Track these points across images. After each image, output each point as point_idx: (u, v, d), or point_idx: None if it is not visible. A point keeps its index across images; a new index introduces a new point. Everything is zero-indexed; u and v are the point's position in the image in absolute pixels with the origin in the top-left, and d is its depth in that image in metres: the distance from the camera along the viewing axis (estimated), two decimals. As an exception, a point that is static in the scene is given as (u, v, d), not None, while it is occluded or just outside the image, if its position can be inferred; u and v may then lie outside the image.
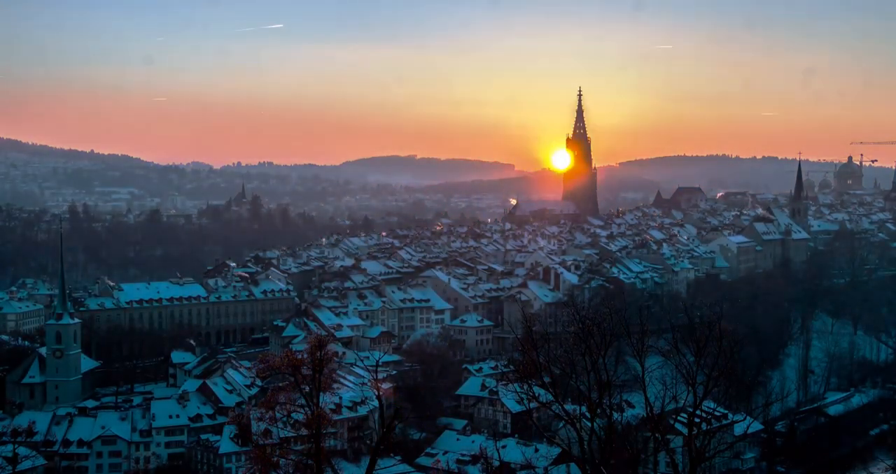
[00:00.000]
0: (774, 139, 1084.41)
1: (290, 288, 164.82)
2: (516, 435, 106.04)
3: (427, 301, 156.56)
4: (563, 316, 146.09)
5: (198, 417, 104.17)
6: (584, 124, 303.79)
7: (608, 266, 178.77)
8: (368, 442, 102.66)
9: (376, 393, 48.78)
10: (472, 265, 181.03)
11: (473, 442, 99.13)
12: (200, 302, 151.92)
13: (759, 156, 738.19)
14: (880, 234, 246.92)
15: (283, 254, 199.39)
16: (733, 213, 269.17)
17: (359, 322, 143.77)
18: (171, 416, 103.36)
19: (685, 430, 40.65)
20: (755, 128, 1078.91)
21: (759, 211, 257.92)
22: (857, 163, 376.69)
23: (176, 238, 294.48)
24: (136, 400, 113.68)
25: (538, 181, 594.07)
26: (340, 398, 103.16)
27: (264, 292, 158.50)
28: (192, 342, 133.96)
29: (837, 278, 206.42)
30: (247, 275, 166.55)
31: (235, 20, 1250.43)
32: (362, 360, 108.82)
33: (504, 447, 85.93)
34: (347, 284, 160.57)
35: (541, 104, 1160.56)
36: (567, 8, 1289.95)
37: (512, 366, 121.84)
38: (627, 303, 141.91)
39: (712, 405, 72.69)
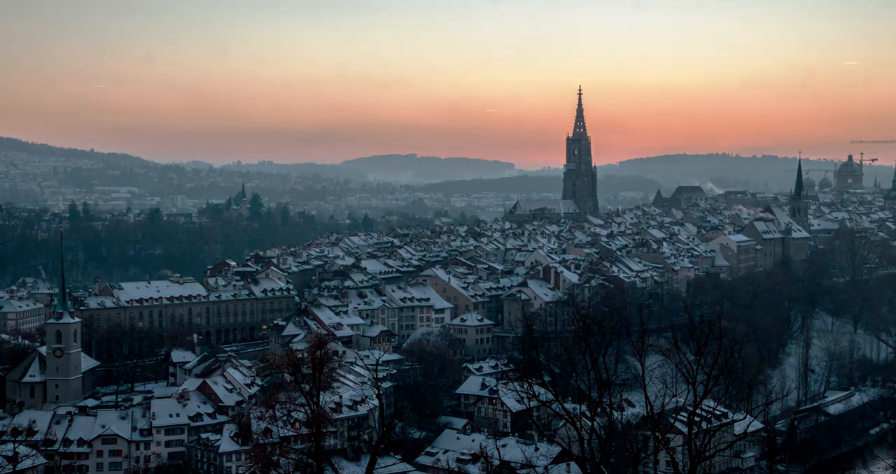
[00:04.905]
0: (775, 138, 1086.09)
1: (290, 287, 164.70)
2: (516, 434, 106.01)
3: (427, 300, 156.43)
4: (563, 315, 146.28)
5: (198, 416, 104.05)
6: (584, 123, 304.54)
7: (608, 265, 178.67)
8: (368, 440, 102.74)
9: (376, 391, 48.77)
10: (472, 264, 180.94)
11: (473, 441, 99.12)
12: (200, 301, 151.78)
13: (759, 155, 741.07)
14: (880, 233, 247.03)
15: (283, 252, 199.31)
16: (733, 212, 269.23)
17: (359, 321, 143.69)
18: (171, 415, 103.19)
19: (685, 429, 40.66)
20: (755, 126, 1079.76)
21: (760, 210, 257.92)
22: (858, 161, 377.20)
23: (176, 237, 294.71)
24: (137, 399, 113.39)
25: (538, 180, 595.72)
26: (340, 397, 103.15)
27: (264, 291, 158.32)
28: (192, 341, 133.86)
29: (837, 277, 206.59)
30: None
31: (235, 20, 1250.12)
32: (362, 359, 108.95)
33: (504, 446, 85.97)
34: (347, 283, 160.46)
35: (541, 103, 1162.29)
36: (567, 5, 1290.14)
37: (512, 365, 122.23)
38: (627, 302, 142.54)
39: (712, 404, 72.56)
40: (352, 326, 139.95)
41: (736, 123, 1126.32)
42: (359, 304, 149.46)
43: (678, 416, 59.95)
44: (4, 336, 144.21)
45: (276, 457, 52.62)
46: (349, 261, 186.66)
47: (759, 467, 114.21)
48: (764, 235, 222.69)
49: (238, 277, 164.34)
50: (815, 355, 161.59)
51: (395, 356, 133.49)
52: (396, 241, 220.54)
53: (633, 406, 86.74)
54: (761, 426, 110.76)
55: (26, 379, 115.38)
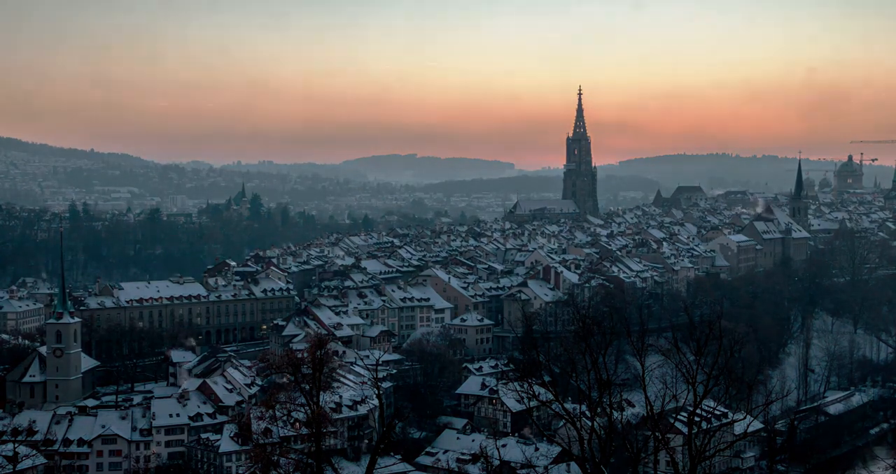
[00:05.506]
0: (775, 138, 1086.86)
1: (290, 287, 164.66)
2: (516, 434, 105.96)
3: (427, 300, 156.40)
4: (563, 315, 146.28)
5: (198, 416, 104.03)
6: (584, 123, 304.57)
7: (608, 265, 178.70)
8: (368, 440, 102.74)
9: (376, 391, 48.77)
10: (472, 264, 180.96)
11: (473, 441, 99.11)
12: (200, 301, 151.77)
13: (759, 155, 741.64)
14: (880, 233, 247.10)
15: (283, 252, 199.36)
16: (733, 212, 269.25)
17: (359, 321, 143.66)
18: (171, 415, 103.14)
19: (685, 429, 40.64)
20: (756, 126, 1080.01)
21: (760, 210, 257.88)
22: (858, 161, 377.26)
23: (176, 237, 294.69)
24: (137, 398, 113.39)
25: (538, 180, 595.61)
26: (340, 397, 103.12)
27: (264, 291, 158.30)
28: (192, 341, 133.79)
29: (837, 277, 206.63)
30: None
31: (235, 20, 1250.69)
32: (362, 359, 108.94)
33: (504, 446, 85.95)
34: (347, 283, 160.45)
35: (541, 103, 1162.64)
36: (568, 5, 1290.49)
37: (512, 365, 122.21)
38: (627, 302, 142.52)
39: (712, 404, 72.60)
40: (352, 326, 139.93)
41: (736, 123, 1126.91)
42: (359, 304, 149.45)
43: (678, 416, 59.92)
44: (4, 336, 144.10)
45: (276, 457, 52.65)
46: (349, 261, 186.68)
47: (759, 467, 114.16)
48: (764, 235, 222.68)
49: (238, 277, 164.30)
50: (815, 355, 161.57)
51: (395, 356, 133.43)
52: (396, 241, 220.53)
53: (633, 406, 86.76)
54: (761, 426, 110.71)
55: (26, 379, 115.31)
